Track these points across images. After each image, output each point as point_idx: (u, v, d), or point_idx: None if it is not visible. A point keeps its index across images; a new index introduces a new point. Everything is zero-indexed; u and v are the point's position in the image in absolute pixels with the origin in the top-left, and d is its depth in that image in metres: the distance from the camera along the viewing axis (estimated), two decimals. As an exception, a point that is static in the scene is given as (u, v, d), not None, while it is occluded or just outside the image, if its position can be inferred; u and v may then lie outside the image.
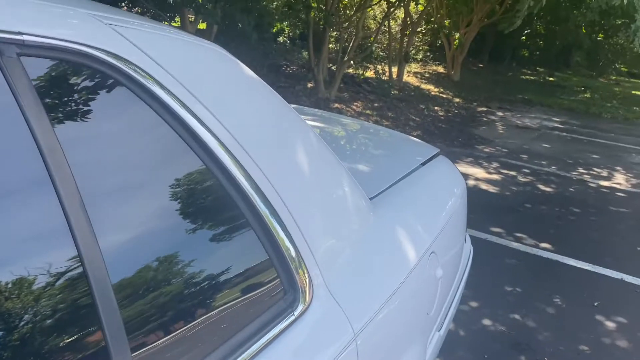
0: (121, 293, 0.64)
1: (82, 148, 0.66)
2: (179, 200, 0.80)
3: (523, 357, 2.49)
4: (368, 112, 7.78)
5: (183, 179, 0.81)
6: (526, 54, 17.49)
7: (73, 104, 0.67)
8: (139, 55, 0.77)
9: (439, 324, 1.51)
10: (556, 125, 9.18)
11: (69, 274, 0.59)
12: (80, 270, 0.60)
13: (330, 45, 10.04)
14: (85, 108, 0.68)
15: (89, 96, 0.69)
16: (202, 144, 0.81)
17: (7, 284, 0.54)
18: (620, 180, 5.89)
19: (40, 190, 0.59)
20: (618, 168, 6.44)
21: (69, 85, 0.67)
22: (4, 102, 0.59)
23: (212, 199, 0.84)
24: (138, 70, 0.75)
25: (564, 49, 17.71)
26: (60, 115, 0.64)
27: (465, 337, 2.59)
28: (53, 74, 0.65)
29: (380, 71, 10.06)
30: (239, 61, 1.05)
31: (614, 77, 19.54)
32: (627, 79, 20.04)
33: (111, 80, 0.72)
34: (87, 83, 0.69)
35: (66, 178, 0.60)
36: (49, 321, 0.57)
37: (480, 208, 4.39)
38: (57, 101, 0.64)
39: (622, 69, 20.69)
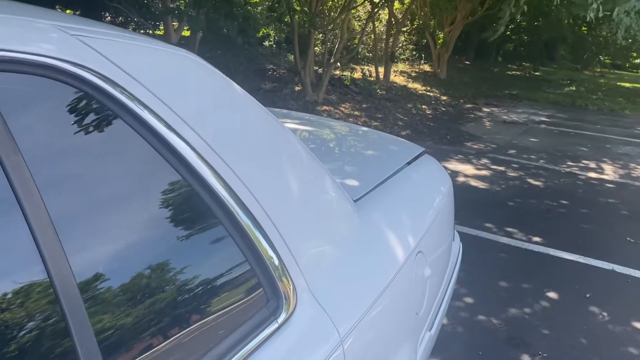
0: (95, 309, 0.63)
1: (49, 164, 0.65)
2: (156, 214, 0.78)
3: (517, 351, 2.49)
4: (356, 113, 7.79)
5: (160, 192, 0.80)
6: (511, 48, 17.62)
7: (38, 119, 0.65)
8: (108, 66, 0.75)
9: (429, 323, 1.51)
10: (543, 119, 9.24)
11: (40, 295, 0.58)
12: (50, 290, 0.58)
13: (316, 48, 10.05)
14: (52, 122, 0.67)
15: (55, 110, 0.68)
16: (177, 155, 0.79)
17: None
18: (608, 171, 5.94)
19: (5, 211, 0.58)
20: (605, 159, 6.49)
21: (33, 99, 0.65)
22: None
23: (191, 212, 0.83)
24: (107, 81, 0.74)
25: (548, 43, 17.85)
26: (24, 131, 0.62)
27: (459, 333, 2.59)
28: (15, 88, 0.64)
29: (367, 72, 10.08)
30: (214, 68, 1.04)
31: (598, 70, 19.74)
32: (611, 71, 20.25)
33: (79, 93, 0.70)
34: (53, 96, 0.68)
35: (33, 196, 0.59)
36: (20, 343, 0.55)
37: (471, 204, 4.40)
38: (20, 116, 0.63)
39: (606, 60, 20.90)
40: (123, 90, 0.75)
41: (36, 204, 0.59)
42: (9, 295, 0.55)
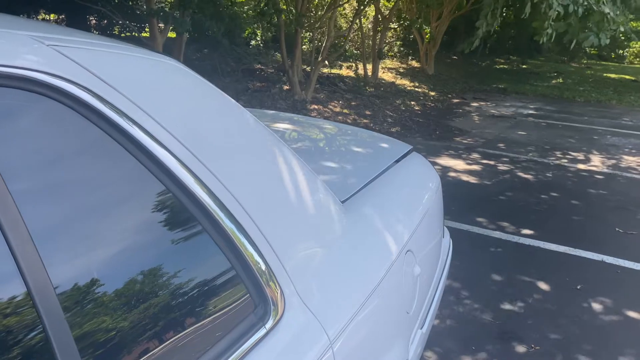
0: (76, 319, 0.62)
1: (27, 176, 0.64)
2: (137, 223, 0.78)
3: (510, 345, 2.50)
4: (345, 111, 7.79)
5: (142, 200, 0.79)
6: (495, 39, 17.61)
7: (16, 131, 0.64)
8: (86, 76, 0.74)
9: (420, 321, 1.51)
10: (531, 112, 9.29)
11: (20, 309, 0.57)
12: (30, 303, 0.57)
13: (303, 47, 10.04)
14: (29, 134, 0.66)
15: (33, 122, 0.67)
16: (158, 162, 0.79)
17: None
18: (596, 162, 5.98)
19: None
20: (594, 151, 6.54)
21: (10, 111, 0.65)
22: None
23: (174, 220, 0.82)
24: (86, 90, 0.73)
25: (535, 35, 17.90)
26: (1, 146, 0.61)
27: (452, 329, 2.60)
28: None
29: (354, 67, 10.08)
30: (198, 75, 1.03)
31: (585, 61, 19.86)
32: (597, 62, 20.39)
33: (56, 104, 0.69)
34: (29, 108, 0.67)
35: (9, 209, 0.58)
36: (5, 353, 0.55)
37: (462, 199, 4.42)
38: (-4, 130, 0.62)
39: (592, 52, 21.01)
40: (102, 99, 0.75)
41: (13, 217, 0.58)
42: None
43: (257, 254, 0.89)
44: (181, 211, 0.82)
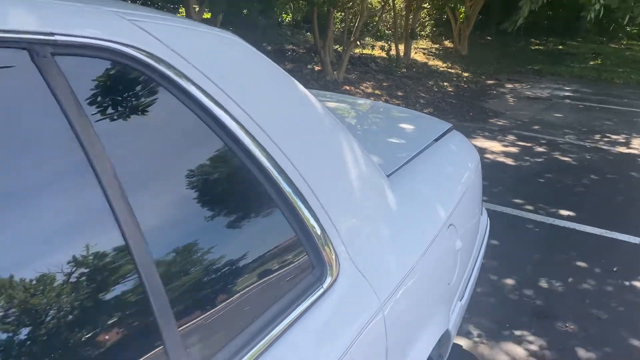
0: (165, 274, 0.69)
1: (118, 139, 0.70)
2: (210, 187, 0.84)
3: (545, 323, 2.52)
4: (377, 92, 7.76)
5: (213, 166, 0.85)
6: (530, 19, 17.16)
7: (106, 98, 0.70)
8: (162, 48, 0.80)
9: (460, 293, 1.55)
10: (567, 94, 9.07)
11: (117, 258, 0.64)
12: (126, 252, 0.64)
13: (335, 27, 9.99)
14: (117, 101, 0.72)
15: (120, 90, 0.73)
16: (227, 131, 0.84)
17: (56, 272, 0.58)
18: (636, 145, 5.84)
19: (84, 181, 0.63)
20: (633, 133, 6.38)
21: (101, 80, 0.71)
22: (43, 99, 0.63)
23: (240, 184, 0.89)
24: (162, 62, 0.79)
25: (572, 16, 17.34)
26: (95, 109, 0.68)
27: (488, 306, 2.63)
28: (85, 70, 0.69)
29: (386, 49, 10.00)
30: (258, 51, 1.08)
31: (624, 42, 19.14)
32: (638, 42, 19.63)
33: (139, 74, 0.75)
34: (117, 78, 0.73)
35: (106, 168, 0.64)
36: (106, 300, 0.61)
37: (498, 181, 4.40)
38: (91, 96, 0.68)
39: (633, 32, 20.23)
40: (176, 70, 0.80)
41: (109, 175, 0.65)
42: (91, 259, 0.61)
43: (314, 219, 0.95)
44: (247, 177, 0.88)
